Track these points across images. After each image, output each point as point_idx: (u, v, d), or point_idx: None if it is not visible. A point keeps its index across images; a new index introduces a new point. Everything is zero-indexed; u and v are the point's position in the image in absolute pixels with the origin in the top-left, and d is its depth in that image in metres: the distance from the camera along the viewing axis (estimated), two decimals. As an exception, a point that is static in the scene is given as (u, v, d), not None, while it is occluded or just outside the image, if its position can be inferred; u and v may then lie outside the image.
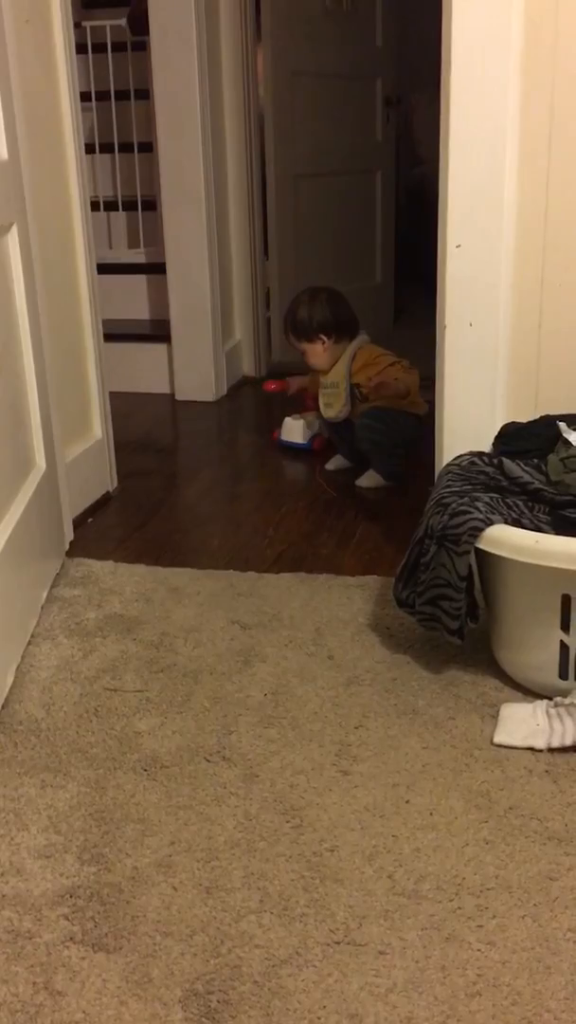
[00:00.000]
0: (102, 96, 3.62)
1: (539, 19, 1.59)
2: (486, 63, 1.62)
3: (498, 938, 1.09)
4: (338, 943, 1.09)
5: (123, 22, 3.49)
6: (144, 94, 3.51)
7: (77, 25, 2.48)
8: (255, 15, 3.29)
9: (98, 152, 3.63)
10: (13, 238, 1.76)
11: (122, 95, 3.62)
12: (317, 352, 2.49)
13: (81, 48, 2.77)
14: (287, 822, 1.28)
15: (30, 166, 1.89)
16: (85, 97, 3.19)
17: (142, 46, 3.40)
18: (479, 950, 1.07)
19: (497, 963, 1.06)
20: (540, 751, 1.39)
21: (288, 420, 2.77)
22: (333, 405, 2.51)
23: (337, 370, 2.49)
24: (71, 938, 1.10)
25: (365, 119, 3.84)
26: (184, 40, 3.00)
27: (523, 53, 1.61)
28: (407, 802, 1.31)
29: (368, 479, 2.48)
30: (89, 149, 2.94)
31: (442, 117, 1.68)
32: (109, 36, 3.54)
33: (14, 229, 1.76)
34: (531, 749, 1.39)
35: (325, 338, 2.47)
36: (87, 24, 3.53)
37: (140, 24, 3.22)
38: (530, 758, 1.38)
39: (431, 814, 1.28)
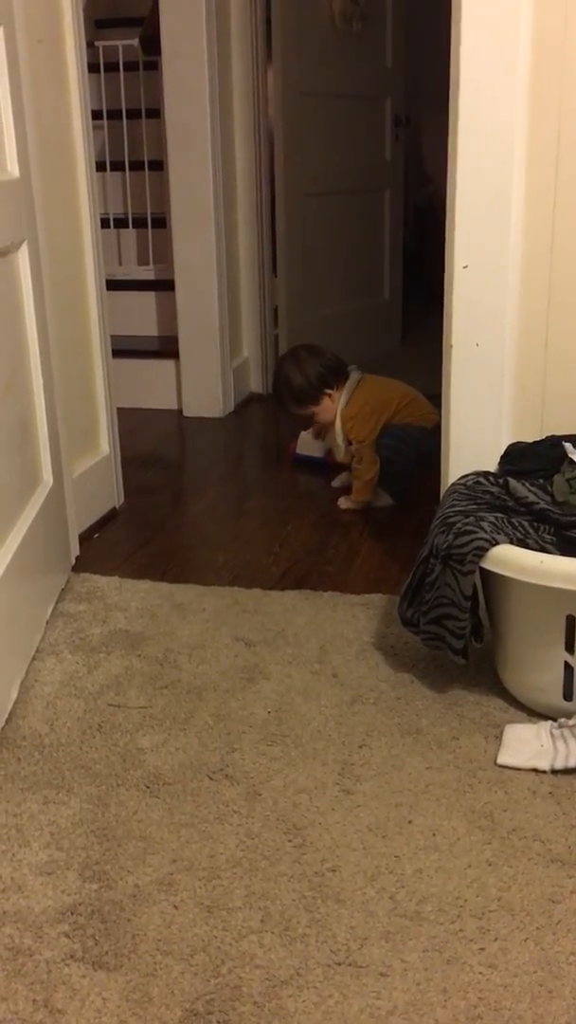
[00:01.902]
0: (114, 115, 3.65)
1: (547, 42, 1.61)
2: (494, 85, 1.63)
3: (500, 961, 1.08)
4: (339, 964, 1.08)
5: (135, 42, 3.52)
6: (155, 113, 3.54)
7: (90, 45, 2.51)
8: (265, 36, 3.32)
9: (109, 170, 3.66)
10: (24, 255, 1.77)
11: (133, 114, 3.65)
12: (328, 408, 2.46)
13: (93, 67, 2.80)
14: (289, 841, 1.27)
15: (41, 183, 1.91)
16: (97, 115, 3.22)
17: (154, 66, 3.43)
18: (481, 973, 1.07)
19: (499, 986, 1.05)
20: (544, 772, 1.39)
21: (304, 434, 2.77)
22: (339, 450, 2.51)
23: (337, 429, 2.48)
24: (71, 956, 1.10)
25: (374, 139, 3.87)
26: (195, 60, 3.03)
27: (531, 76, 1.62)
28: (410, 822, 1.30)
29: (377, 498, 2.48)
30: (100, 167, 2.97)
31: (450, 138, 1.69)
32: (121, 56, 3.58)
33: (25, 246, 1.77)
34: (535, 770, 1.39)
35: (330, 391, 2.44)
36: (100, 44, 3.56)
37: (152, 44, 3.26)
38: (534, 779, 1.38)
39: (434, 835, 1.28)
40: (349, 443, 2.46)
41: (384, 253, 4.06)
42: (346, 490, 2.51)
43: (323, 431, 2.58)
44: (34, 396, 1.86)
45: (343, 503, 2.46)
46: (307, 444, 2.77)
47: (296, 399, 2.45)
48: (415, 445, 2.45)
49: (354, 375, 2.48)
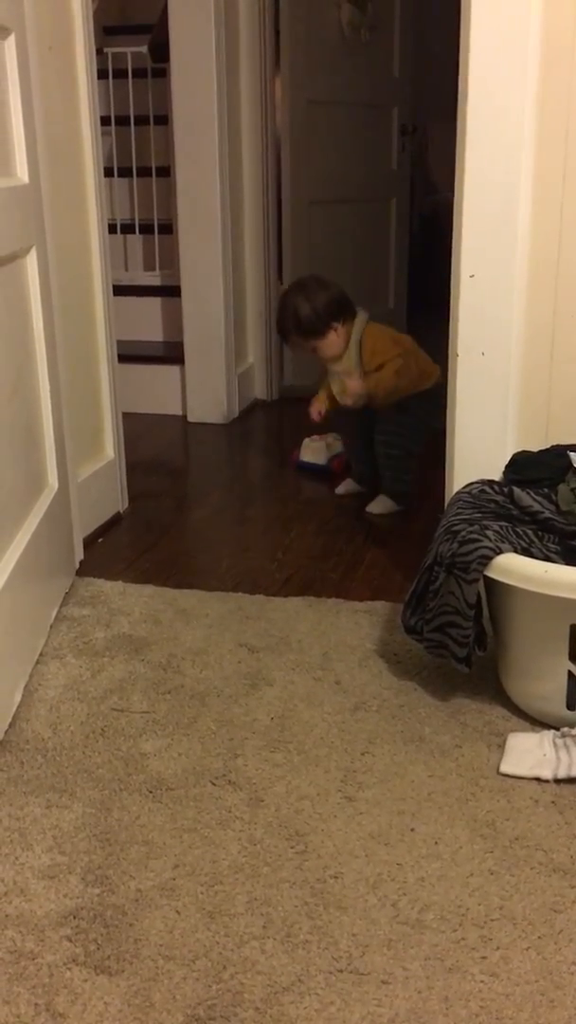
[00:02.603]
0: (122, 121, 3.66)
1: (555, 53, 1.61)
2: (502, 96, 1.64)
3: (501, 970, 1.08)
4: (341, 971, 1.08)
5: (144, 49, 3.53)
6: (163, 120, 3.56)
7: (99, 51, 2.53)
8: (274, 44, 3.33)
9: (116, 176, 3.68)
10: (32, 260, 1.78)
11: (141, 120, 3.66)
12: (332, 342, 2.37)
13: (102, 74, 2.82)
14: (291, 847, 1.27)
15: (50, 189, 1.92)
16: (105, 122, 3.22)
17: (162, 73, 3.45)
18: (482, 982, 1.07)
19: (500, 995, 1.05)
20: (547, 781, 1.39)
21: (307, 441, 2.78)
22: (347, 390, 2.45)
23: (349, 357, 2.40)
24: (73, 960, 1.10)
25: (381, 147, 3.88)
26: (204, 68, 3.04)
27: (539, 86, 1.63)
28: (412, 830, 1.30)
29: (378, 505, 2.48)
30: (108, 173, 2.98)
31: (458, 149, 1.70)
32: (130, 62, 3.59)
33: (33, 252, 1.78)
34: (537, 779, 1.39)
35: (338, 325, 2.36)
36: (109, 51, 3.58)
37: (161, 51, 3.27)
38: (536, 788, 1.38)
39: (436, 843, 1.28)
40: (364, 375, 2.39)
41: (389, 261, 4.07)
42: (365, 498, 2.51)
43: (327, 363, 2.47)
44: (40, 400, 1.87)
45: (374, 508, 2.47)
46: (310, 451, 2.78)
47: (301, 330, 2.37)
48: (420, 433, 2.44)
49: (363, 314, 2.41)
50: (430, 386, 2.43)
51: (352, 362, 2.39)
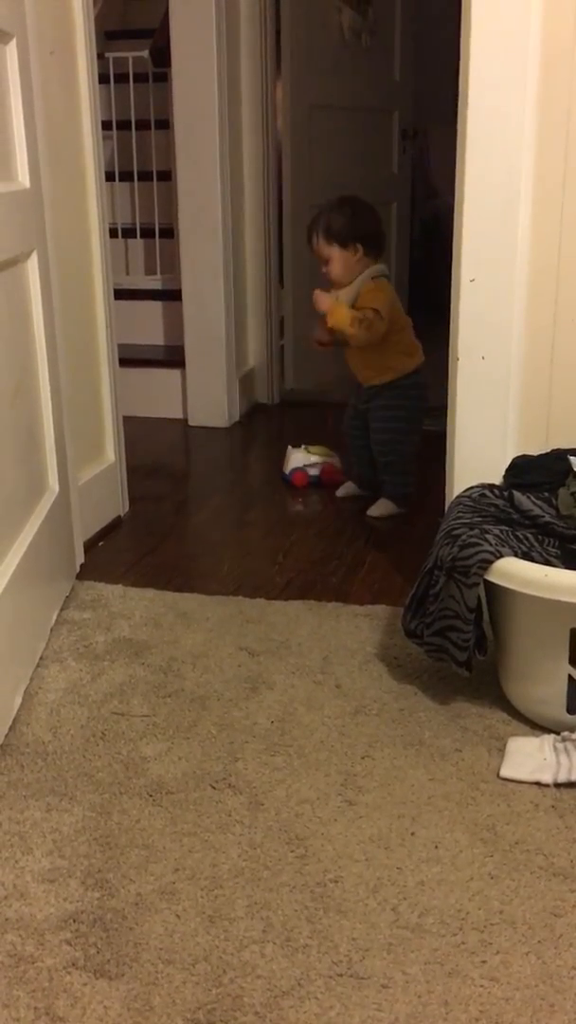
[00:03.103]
0: (123, 125, 3.68)
1: (555, 58, 1.62)
2: (503, 101, 1.64)
3: (501, 974, 1.08)
4: (340, 975, 1.08)
5: (145, 54, 3.54)
6: (164, 124, 3.57)
7: (100, 56, 2.53)
8: (275, 48, 3.34)
9: (118, 180, 3.69)
10: (33, 264, 1.78)
11: (142, 124, 3.67)
12: (347, 261, 2.35)
13: (103, 78, 2.82)
14: (291, 851, 1.27)
15: (51, 193, 1.92)
16: (106, 126, 3.23)
17: (163, 77, 3.45)
18: (482, 986, 1.07)
19: (500, 999, 1.05)
20: (547, 786, 1.39)
21: (291, 450, 2.72)
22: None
23: (348, 292, 2.37)
24: (73, 964, 1.10)
25: (382, 151, 3.89)
26: (205, 72, 3.05)
27: (539, 91, 1.64)
28: (412, 834, 1.30)
29: (380, 507, 2.48)
30: (109, 177, 2.99)
31: (458, 153, 1.70)
32: (131, 67, 3.60)
33: (34, 255, 1.78)
34: (538, 784, 1.39)
35: (360, 247, 2.35)
36: (110, 55, 3.59)
37: (162, 56, 3.28)
38: (536, 793, 1.38)
39: (436, 847, 1.28)
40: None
41: (390, 265, 4.06)
42: (365, 500, 2.51)
43: (332, 283, 2.42)
44: (41, 404, 1.87)
45: (375, 511, 2.47)
46: (292, 459, 2.71)
47: (329, 232, 2.37)
48: (416, 426, 2.45)
49: (383, 266, 2.43)
50: (411, 374, 2.43)
51: (348, 298, 2.38)
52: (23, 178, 1.74)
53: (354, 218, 2.36)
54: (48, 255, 1.89)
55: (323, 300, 2.37)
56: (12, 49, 1.66)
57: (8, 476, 1.61)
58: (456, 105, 1.70)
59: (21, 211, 1.71)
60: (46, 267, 1.86)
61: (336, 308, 2.35)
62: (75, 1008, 1.04)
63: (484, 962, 1.10)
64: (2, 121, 1.64)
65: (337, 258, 2.37)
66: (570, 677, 1.45)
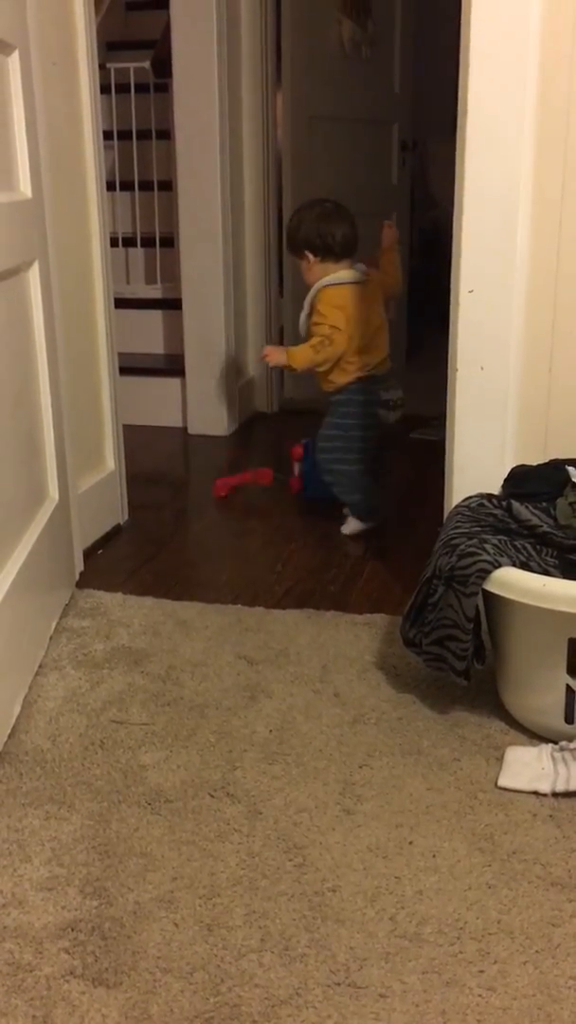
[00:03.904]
0: (124, 135, 3.69)
1: (554, 72, 1.63)
2: (501, 111, 1.65)
3: (499, 984, 1.08)
4: (338, 984, 1.08)
5: (147, 65, 3.56)
6: (165, 134, 3.58)
7: (102, 67, 2.54)
8: (275, 60, 3.36)
9: (118, 189, 3.70)
10: (34, 274, 1.79)
11: (143, 134, 3.69)
12: (305, 269, 2.33)
13: (105, 88, 2.83)
14: (289, 860, 1.28)
15: (53, 203, 1.93)
16: (107, 136, 3.25)
17: (164, 88, 3.47)
18: (480, 995, 1.07)
19: (498, 1009, 1.05)
20: (545, 795, 1.39)
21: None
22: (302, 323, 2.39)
23: (308, 298, 2.34)
24: (71, 972, 1.10)
25: (381, 162, 3.90)
26: (205, 83, 3.06)
27: (538, 102, 1.65)
28: (410, 843, 1.31)
29: (347, 525, 2.43)
30: (110, 186, 3.00)
31: (457, 164, 1.71)
32: (133, 78, 3.62)
33: (35, 265, 1.79)
34: (536, 793, 1.39)
35: (312, 257, 2.31)
36: (111, 66, 3.61)
37: (163, 67, 3.30)
38: (534, 802, 1.38)
39: (434, 856, 1.28)
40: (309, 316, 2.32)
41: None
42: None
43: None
44: (42, 412, 1.87)
45: (345, 528, 2.40)
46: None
47: (287, 238, 2.38)
48: (355, 441, 2.35)
49: (342, 273, 2.30)
50: (344, 388, 2.33)
51: (306, 304, 2.35)
52: (25, 188, 1.75)
53: (299, 227, 2.33)
54: (49, 264, 1.90)
55: (274, 356, 2.32)
56: (15, 60, 1.68)
57: (8, 484, 1.62)
58: (455, 116, 1.71)
59: (23, 221, 1.72)
60: (47, 276, 1.87)
61: (292, 354, 2.29)
62: (73, 1016, 1.05)
63: (482, 972, 1.10)
64: (4, 132, 1.65)
65: (301, 265, 2.37)
66: (568, 687, 1.45)
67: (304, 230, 2.32)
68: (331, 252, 2.30)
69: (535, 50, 1.63)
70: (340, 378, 2.34)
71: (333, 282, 2.30)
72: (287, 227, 2.40)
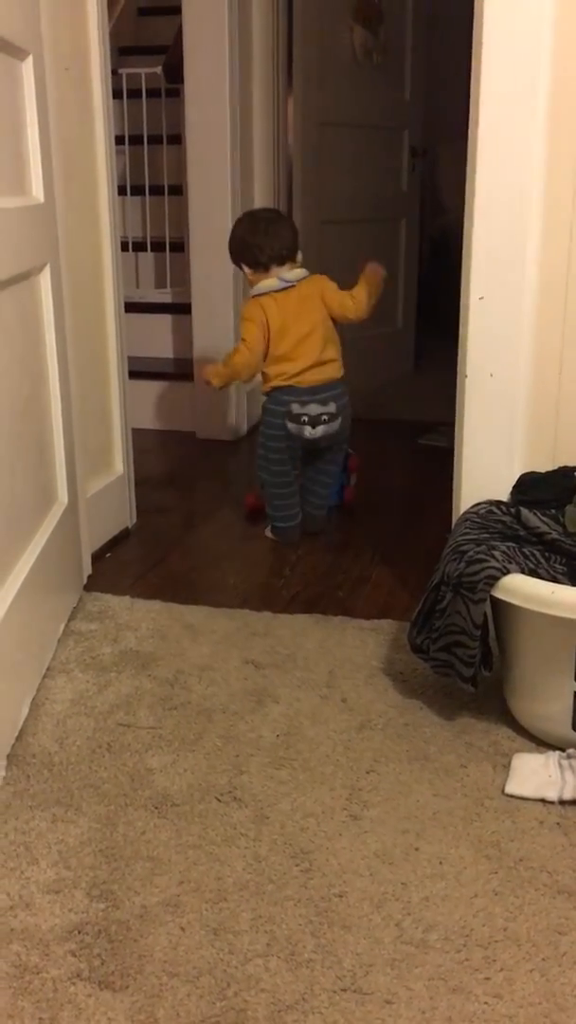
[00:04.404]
0: (135, 140, 3.70)
1: (566, 79, 1.63)
2: (513, 120, 1.66)
3: (505, 991, 1.08)
4: (344, 990, 1.08)
5: (158, 70, 3.57)
6: (176, 139, 3.60)
7: (114, 72, 2.56)
8: (287, 66, 3.37)
9: (129, 194, 3.71)
10: (46, 278, 1.80)
11: (154, 139, 3.70)
12: (250, 280, 2.32)
13: (116, 94, 2.85)
14: (296, 865, 1.28)
15: (64, 208, 1.94)
16: (119, 140, 3.26)
17: (176, 93, 3.49)
18: (486, 1003, 1.07)
19: (504, 1017, 1.05)
20: (552, 803, 1.39)
21: None
22: None
23: None
24: (78, 975, 1.10)
25: (391, 169, 3.91)
26: (217, 89, 3.07)
27: (549, 109, 1.65)
28: (417, 850, 1.30)
29: (268, 529, 2.44)
30: (120, 191, 3.01)
31: (468, 171, 1.72)
32: (144, 83, 3.63)
33: (47, 269, 1.80)
34: (543, 801, 1.39)
35: (247, 269, 2.30)
36: (123, 71, 3.62)
37: (175, 72, 3.31)
38: (541, 810, 1.38)
39: (440, 863, 1.28)
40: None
41: (399, 281, 4.09)
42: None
43: None
44: (52, 416, 1.88)
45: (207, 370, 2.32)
46: None
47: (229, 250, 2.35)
48: (263, 456, 2.33)
49: (269, 283, 2.26)
50: (268, 394, 2.30)
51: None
52: (37, 193, 1.76)
53: (231, 239, 2.34)
54: (60, 268, 1.90)
55: (205, 373, 2.32)
56: (29, 66, 1.69)
57: (19, 487, 1.62)
58: (465, 123, 1.71)
59: (35, 225, 1.73)
60: (58, 280, 1.88)
61: (208, 371, 2.31)
62: (79, 1019, 1.05)
63: (488, 979, 1.10)
64: (17, 137, 1.66)
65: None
66: (575, 694, 1.45)
67: (236, 243, 2.33)
68: (259, 264, 2.28)
69: (547, 58, 1.63)
70: (263, 386, 2.34)
71: (254, 293, 2.30)
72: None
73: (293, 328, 2.25)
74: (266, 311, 2.24)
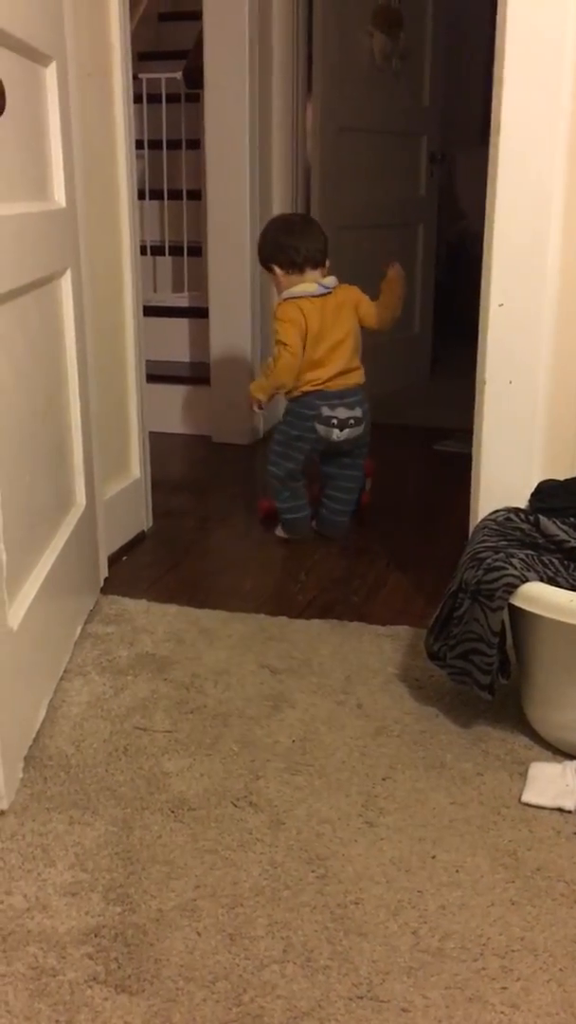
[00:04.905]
0: (154, 144, 3.72)
1: (588, 89, 1.63)
2: (535, 127, 1.66)
3: (522, 1001, 1.08)
4: (360, 998, 1.08)
5: (178, 75, 3.59)
6: (195, 144, 3.61)
7: (134, 77, 2.56)
8: (306, 72, 3.37)
9: (148, 198, 3.72)
10: (67, 282, 1.81)
11: (174, 144, 3.71)
12: (277, 282, 2.34)
13: (136, 98, 2.86)
14: (312, 872, 1.28)
15: (85, 212, 1.95)
16: (138, 145, 3.28)
17: (195, 98, 3.50)
18: (502, 1012, 1.06)
19: (521, 1027, 1.05)
20: (569, 812, 1.38)
21: None
22: None
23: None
24: (94, 978, 1.11)
25: (409, 174, 3.91)
26: (236, 94, 3.08)
27: (571, 118, 1.65)
28: (433, 857, 1.30)
29: (278, 528, 2.47)
30: (139, 195, 3.02)
31: (489, 179, 1.72)
32: (164, 88, 3.65)
33: (68, 273, 1.81)
34: (560, 810, 1.39)
35: (275, 268, 2.31)
36: (144, 76, 3.64)
37: (195, 78, 3.32)
38: (558, 819, 1.37)
39: (457, 871, 1.28)
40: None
41: (416, 287, 4.09)
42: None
43: None
44: (71, 418, 1.89)
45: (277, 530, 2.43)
46: None
47: (258, 252, 2.37)
48: (277, 453, 2.37)
49: (306, 286, 2.28)
50: (298, 398, 2.33)
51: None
52: (59, 198, 1.77)
53: (265, 241, 2.35)
54: (81, 273, 1.91)
55: (251, 395, 2.37)
56: (52, 71, 1.70)
57: (38, 490, 1.63)
58: (484, 129, 1.71)
59: (57, 230, 1.74)
60: (79, 284, 1.89)
61: (253, 388, 2.36)
62: (95, 1022, 1.05)
63: (505, 988, 1.09)
64: (41, 142, 1.67)
65: (272, 281, 2.38)
66: (594, 703, 1.45)
67: (269, 244, 2.34)
68: (294, 265, 2.29)
69: (570, 64, 1.63)
70: (294, 387, 2.35)
71: (289, 296, 2.30)
72: (258, 242, 2.40)
73: (329, 334, 2.28)
74: (305, 315, 2.26)
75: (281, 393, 2.37)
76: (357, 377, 2.34)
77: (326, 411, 2.30)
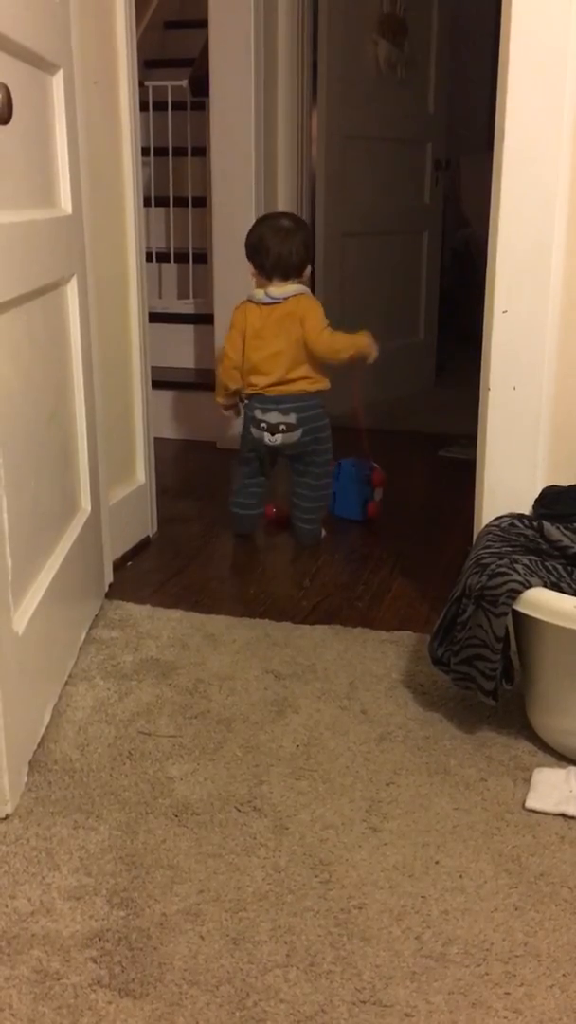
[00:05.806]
0: (160, 152, 3.73)
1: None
2: (539, 133, 1.66)
3: (525, 1006, 1.08)
4: (364, 1003, 1.08)
5: (184, 83, 3.60)
6: (200, 151, 3.62)
7: (140, 85, 2.58)
8: (311, 79, 3.39)
9: (153, 205, 3.74)
10: (72, 288, 1.82)
11: (179, 151, 3.73)
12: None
13: (142, 106, 2.87)
14: (315, 876, 1.28)
15: (91, 219, 1.96)
16: (144, 152, 3.29)
17: (201, 106, 3.51)
18: (505, 1018, 1.06)
19: (524, 1033, 1.05)
20: (572, 818, 1.38)
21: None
22: None
23: None
24: (98, 982, 1.11)
25: (414, 181, 3.92)
26: (242, 101, 3.09)
27: None
28: (437, 863, 1.30)
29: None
30: (145, 202, 3.04)
31: (493, 186, 1.73)
32: (170, 95, 3.66)
33: (74, 280, 1.82)
34: (563, 816, 1.39)
35: (251, 267, 2.34)
36: (150, 84, 3.65)
37: (201, 85, 3.34)
38: (562, 825, 1.37)
39: (461, 876, 1.28)
40: None
41: (420, 293, 4.10)
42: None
43: None
44: (76, 424, 1.90)
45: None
46: None
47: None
48: (239, 458, 2.47)
49: (258, 292, 2.31)
50: (247, 396, 2.39)
51: None
52: (66, 204, 1.78)
53: (248, 235, 2.36)
54: (87, 279, 1.92)
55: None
56: (59, 80, 1.71)
57: (44, 496, 1.64)
58: (489, 136, 1.72)
59: (63, 237, 1.75)
60: (85, 291, 1.90)
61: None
62: (99, 1026, 1.05)
63: (508, 994, 1.09)
64: (47, 150, 1.68)
65: None
66: (597, 709, 1.45)
67: (252, 242, 2.35)
68: (263, 270, 2.32)
69: (575, 72, 1.64)
70: (241, 390, 2.42)
71: (246, 299, 2.36)
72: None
73: (266, 344, 2.31)
74: (248, 320, 2.32)
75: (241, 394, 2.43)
76: (302, 386, 2.33)
77: (259, 414, 2.34)
